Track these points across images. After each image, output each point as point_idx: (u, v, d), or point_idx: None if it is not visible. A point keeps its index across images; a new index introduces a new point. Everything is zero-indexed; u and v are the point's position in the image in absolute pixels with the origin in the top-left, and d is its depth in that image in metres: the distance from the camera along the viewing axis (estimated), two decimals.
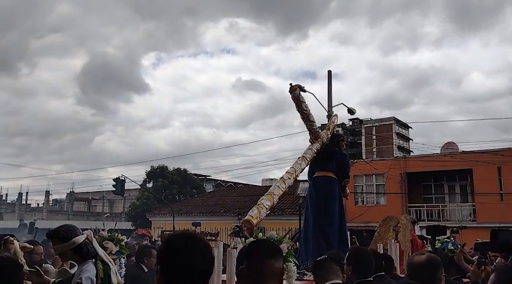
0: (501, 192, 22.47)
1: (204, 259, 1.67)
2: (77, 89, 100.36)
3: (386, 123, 49.39)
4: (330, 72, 17.94)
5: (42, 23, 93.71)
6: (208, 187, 40.15)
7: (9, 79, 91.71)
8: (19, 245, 3.59)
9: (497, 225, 20.85)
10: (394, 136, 47.37)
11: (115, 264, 3.54)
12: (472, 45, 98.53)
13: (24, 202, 53.03)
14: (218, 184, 42.68)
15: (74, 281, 2.87)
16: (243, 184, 40.17)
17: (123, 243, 4.99)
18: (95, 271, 2.86)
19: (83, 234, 2.98)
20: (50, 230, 3.03)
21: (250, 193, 30.29)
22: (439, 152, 26.08)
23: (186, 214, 28.48)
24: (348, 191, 6.72)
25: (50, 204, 52.53)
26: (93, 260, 2.94)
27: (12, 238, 3.57)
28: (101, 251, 3.05)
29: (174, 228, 23.35)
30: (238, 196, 30.84)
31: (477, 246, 7.65)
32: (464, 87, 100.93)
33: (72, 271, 3.26)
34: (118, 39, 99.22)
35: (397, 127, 51.87)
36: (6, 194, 55.96)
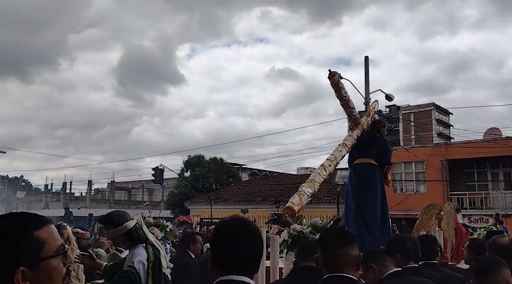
0: None
1: (253, 242, 1.68)
2: (114, 82, 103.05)
3: (425, 109, 48.02)
4: (367, 57, 17.60)
5: (80, 18, 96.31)
6: (244, 176, 40.43)
7: (51, 74, 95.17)
8: (71, 231, 3.74)
9: None
10: (434, 122, 46.03)
11: None
12: None
13: (68, 191, 55.18)
14: (254, 173, 42.89)
15: (126, 265, 2.96)
16: (278, 173, 40.17)
17: (168, 229, 5.13)
18: (146, 255, 2.94)
19: (133, 219, 3.07)
20: (102, 216, 3.13)
21: (286, 182, 30.31)
22: (481, 138, 25.21)
23: (223, 202, 28.83)
24: (390, 178, 6.59)
25: (92, 193, 54.39)
26: (144, 244, 3.02)
27: (65, 224, 3.73)
28: (150, 236, 3.14)
29: (211, 216, 23.73)
30: (274, 185, 30.93)
31: None
32: (506, 71, 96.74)
33: (123, 255, 3.37)
34: (153, 32, 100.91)
35: (436, 113, 50.40)
36: (52, 183, 58.42)
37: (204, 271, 5.07)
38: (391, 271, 2.79)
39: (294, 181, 26.39)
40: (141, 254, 2.92)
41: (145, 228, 3.12)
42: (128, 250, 3.12)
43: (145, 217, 4.77)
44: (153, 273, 2.88)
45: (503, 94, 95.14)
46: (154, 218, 5.39)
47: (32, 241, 1.19)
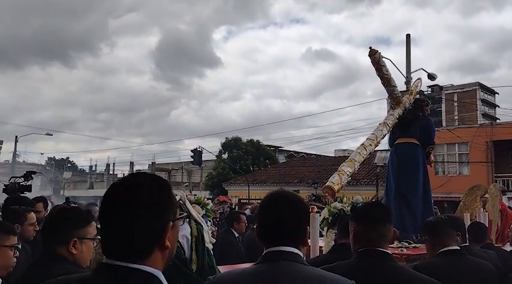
0: None
1: (295, 212, 1.68)
2: (152, 65, 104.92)
3: (469, 88, 46.22)
4: (408, 35, 17.11)
5: (119, 3, 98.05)
6: (281, 158, 40.47)
7: (93, 59, 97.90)
8: None
9: None
10: (479, 102, 44.27)
11: None
12: None
13: (111, 172, 57.11)
14: (290, 155, 42.83)
15: None
16: (315, 155, 39.95)
17: (208, 207, 5.23)
18: (190, 229, 3.02)
19: (176, 195, 3.14)
20: None
21: (323, 164, 30.15)
22: None
23: (260, 183, 29.03)
24: (433, 158, 6.42)
25: None
26: (187, 219, 3.10)
27: None
28: (194, 212, 3.21)
29: (249, 197, 23.97)
30: (311, 167, 30.85)
31: None
32: None
33: None
34: (189, 15, 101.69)
35: (481, 92, 48.42)
36: (96, 165, 60.69)
37: (248, 249, 5.15)
38: (448, 248, 2.62)
39: (332, 163, 26.20)
40: (184, 229, 3.00)
41: (188, 204, 3.19)
42: None
43: (186, 195, 4.88)
44: (197, 247, 2.96)
45: None
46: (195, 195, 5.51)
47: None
